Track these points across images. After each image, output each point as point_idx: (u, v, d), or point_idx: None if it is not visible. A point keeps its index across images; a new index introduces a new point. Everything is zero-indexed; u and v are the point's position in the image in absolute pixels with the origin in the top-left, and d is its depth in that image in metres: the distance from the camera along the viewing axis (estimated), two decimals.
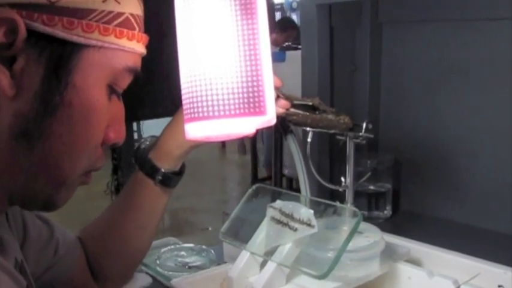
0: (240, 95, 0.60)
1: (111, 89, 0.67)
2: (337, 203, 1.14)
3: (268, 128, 0.75)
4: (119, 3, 0.63)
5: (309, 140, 1.16)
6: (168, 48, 0.71)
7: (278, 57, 3.94)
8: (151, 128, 0.99)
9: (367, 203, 1.62)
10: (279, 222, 1.03)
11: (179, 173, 0.95)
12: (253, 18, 0.60)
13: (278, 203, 1.06)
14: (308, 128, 1.11)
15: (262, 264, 1.05)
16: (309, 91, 1.68)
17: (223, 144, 6.96)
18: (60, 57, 0.61)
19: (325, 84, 1.71)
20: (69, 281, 0.91)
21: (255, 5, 0.60)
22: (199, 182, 5.28)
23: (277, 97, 0.95)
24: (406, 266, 1.12)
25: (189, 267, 1.34)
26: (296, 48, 4.53)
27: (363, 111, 1.76)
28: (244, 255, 1.07)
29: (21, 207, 0.73)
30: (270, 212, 1.05)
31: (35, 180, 0.64)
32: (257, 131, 0.68)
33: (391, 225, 1.59)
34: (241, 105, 0.60)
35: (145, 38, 0.69)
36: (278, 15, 8.52)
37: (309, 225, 0.99)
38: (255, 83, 0.60)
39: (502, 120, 1.48)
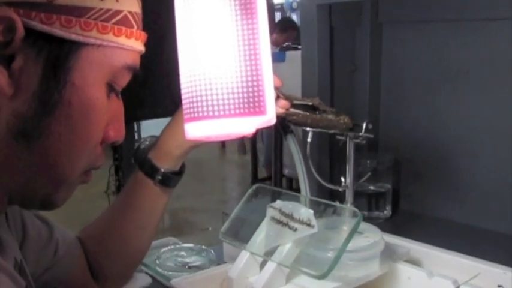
0: (240, 95, 0.60)
1: (110, 87, 0.67)
2: (337, 203, 1.14)
3: (268, 128, 0.75)
4: (117, 1, 0.63)
5: (308, 140, 1.16)
6: (168, 48, 0.70)
7: (278, 57, 3.94)
8: (151, 128, 0.99)
9: (367, 203, 1.62)
10: (278, 222, 1.03)
11: (179, 173, 0.95)
12: (253, 18, 0.60)
13: (278, 203, 1.06)
14: (308, 128, 1.11)
15: (262, 264, 1.05)
16: (308, 91, 1.68)
17: (223, 144, 6.96)
18: (58, 56, 0.60)
19: (325, 84, 1.71)
20: (69, 281, 0.91)
21: (255, 4, 0.60)
22: (199, 182, 5.29)
23: (277, 97, 0.95)
24: (405, 266, 1.12)
25: (189, 267, 1.34)
26: (296, 48, 4.53)
27: (363, 111, 1.76)
28: (244, 255, 1.07)
29: (20, 206, 0.72)
30: (270, 212, 1.05)
31: (35, 179, 0.64)
32: (257, 130, 0.68)
33: (391, 226, 1.59)
34: (241, 105, 0.60)
35: (143, 35, 0.68)
36: (278, 16, 8.52)
37: (309, 225, 0.99)
38: (254, 83, 0.60)
39: (502, 120, 1.48)
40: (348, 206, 1.19)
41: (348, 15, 1.75)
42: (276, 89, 0.93)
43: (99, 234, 0.97)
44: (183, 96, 0.64)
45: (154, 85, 1.89)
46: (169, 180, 0.93)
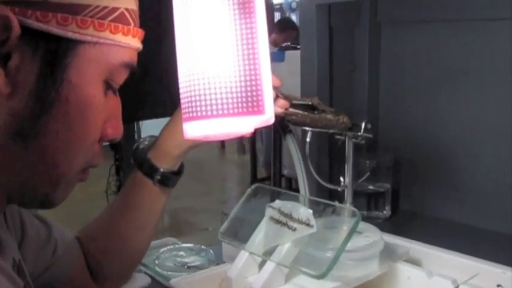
0: (238, 94, 0.60)
1: (108, 85, 0.66)
2: (336, 203, 1.14)
3: (268, 128, 0.75)
4: None
5: (308, 139, 1.16)
6: (167, 48, 0.70)
7: (277, 57, 3.95)
8: (152, 128, 0.99)
9: (367, 203, 1.62)
10: (277, 222, 1.03)
11: (178, 173, 0.95)
12: (251, 17, 0.60)
13: (277, 202, 1.06)
14: (307, 128, 1.11)
15: (261, 264, 1.05)
16: (308, 91, 1.68)
17: (222, 145, 6.97)
18: (55, 54, 0.60)
19: (324, 84, 1.71)
20: (67, 281, 0.91)
21: (253, 4, 0.60)
22: (199, 182, 5.29)
23: (276, 97, 0.95)
24: (405, 265, 1.11)
25: (188, 267, 1.34)
26: (295, 48, 4.53)
27: (362, 111, 1.76)
28: (243, 255, 1.06)
29: (19, 205, 0.72)
30: (269, 211, 1.05)
31: (33, 178, 0.64)
32: (256, 130, 0.68)
33: (390, 225, 1.59)
34: (240, 105, 0.60)
35: (140, 32, 0.68)
36: (277, 16, 8.52)
37: (308, 225, 0.98)
38: (253, 82, 0.60)
39: (502, 120, 1.48)
40: (347, 206, 1.19)
41: (347, 15, 1.75)
42: (275, 88, 0.93)
43: (98, 234, 0.97)
44: (181, 96, 0.64)
45: (154, 85, 1.90)
46: (168, 180, 0.93)
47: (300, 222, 0.99)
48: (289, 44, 5.10)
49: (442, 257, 1.17)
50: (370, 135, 1.15)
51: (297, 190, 1.26)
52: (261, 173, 4.88)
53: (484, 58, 1.50)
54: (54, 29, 0.59)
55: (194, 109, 0.61)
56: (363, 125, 1.14)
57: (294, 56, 3.32)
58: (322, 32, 1.68)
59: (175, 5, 0.64)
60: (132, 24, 0.66)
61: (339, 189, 1.25)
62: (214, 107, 0.60)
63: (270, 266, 1.00)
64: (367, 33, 1.73)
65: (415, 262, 1.16)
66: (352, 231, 1.00)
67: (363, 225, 1.09)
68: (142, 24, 0.68)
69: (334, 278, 1.00)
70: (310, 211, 1.00)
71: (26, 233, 0.82)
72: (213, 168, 6.43)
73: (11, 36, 0.57)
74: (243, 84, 0.60)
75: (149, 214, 0.96)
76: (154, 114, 2.01)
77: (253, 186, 1.19)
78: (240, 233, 1.12)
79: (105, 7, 0.62)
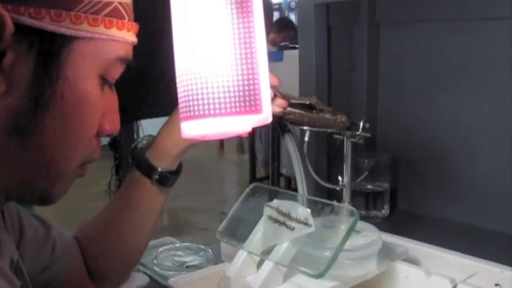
0: (236, 93, 0.60)
1: (104, 80, 0.66)
2: (335, 202, 1.14)
3: (267, 127, 0.75)
4: None
5: (306, 139, 1.16)
6: (165, 47, 0.70)
7: (276, 56, 3.95)
8: (153, 128, 0.99)
9: (365, 202, 1.62)
10: (276, 221, 1.03)
11: (176, 172, 0.95)
12: (249, 16, 0.60)
13: (275, 202, 1.06)
14: (305, 127, 1.11)
15: (259, 264, 1.05)
16: (306, 90, 1.68)
17: (221, 144, 6.97)
18: (49, 51, 0.60)
19: (322, 84, 1.71)
20: (66, 280, 0.91)
21: (251, 3, 0.60)
22: (198, 182, 5.29)
23: (274, 96, 0.95)
24: (403, 265, 1.11)
25: (187, 267, 1.34)
26: (294, 48, 4.54)
27: (361, 111, 1.76)
28: (242, 255, 1.06)
29: (18, 202, 0.72)
30: (267, 211, 1.05)
31: (30, 175, 0.64)
32: (254, 129, 0.68)
33: (388, 225, 1.59)
34: (237, 104, 0.60)
35: (135, 26, 0.68)
36: (276, 15, 8.52)
37: (306, 224, 0.98)
38: (250, 81, 0.60)
39: (501, 119, 1.48)
40: (346, 205, 1.19)
41: (346, 15, 1.75)
42: (273, 88, 0.93)
43: (96, 233, 0.97)
44: (179, 95, 0.64)
45: (152, 84, 1.89)
46: (166, 179, 0.93)
47: (298, 221, 0.99)
48: (287, 43, 5.11)
49: (441, 256, 1.17)
50: (369, 135, 1.15)
51: (296, 189, 1.26)
52: (260, 172, 4.88)
53: (484, 58, 1.50)
54: (47, 25, 0.58)
55: (192, 108, 0.61)
56: (361, 124, 1.14)
57: (292, 56, 3.33)
58: (321, 31, 1.68)
59: (173, 5, 0.64)
60: (127, 18, 0.65)
61: (337, 188, 1.25)
62: (211, 106, 0.60)
63: (268, 265, 1.01)
64: (366, 32, 1.73)
65: (413, 261, 1.16)
66: (351, 231, 1.00)
67: (361, 224, 1.09)
68: (142, 24, 0.68)
69: (332, 277, 1.00)
70: (309, 210, 1.00)
71: (24, 233, 0.82)
72: (212, 168, 6.43)
73: (5, 34, 0.56)
74: (240, 83, 0.60)
75: (147, 213, 0.96)
76: (153, 114, 2.00)
77: (251, 186, 1.19)
78: (239, 233, 1.12)
79: (99, 2, 0.62)
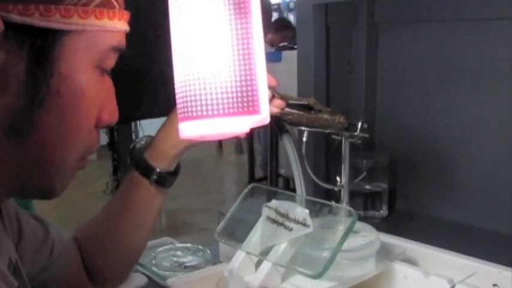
0: (234, 94, 0.60)
1: (98, 71, 0.66)
2: (333, 203, 1.14)
3: (265, 128, 0.75)
4: None
5: (304, 139, 1.16)
6: (164, 47, 0.70)
7: (274, 57, 3.95)
8: (153, 128, 0.99)
9: (363, 203, 1.62)
10: (274, 221, 1.03)
11: (174, 173, 0.95)
12: (247, 17, 0.60)
13: (273, 202, 1.06)
14: (303, 128, 1.11)
15: (258, 264, 1.05)
16: (305, 91, 1.68)
17: (220, 144, 6.96)
18: (42, 47, 0.59)
19: (321, 84, 1.71)
20: (64, 281, 0.91)
21: (249, 4, 0.60)
22: (196, 182, 5.28)
23: (273, 97, 0.95)
24: (401, 265, 1.12)
25: (185, 267, 1.34)
26: (292, 48, 4.54)
27: (359, 111, 1.76)
28: (240, 255, 1.06)
29: (19, 197, 0.72)
30: (266, 211, 1.05)
31: (31, 171, 0.63)
32: (252, 130, 0.68)
33: (387, 225, 1.59)
34: (235, 104, 0.60)
35: (126, 14, 0.67)
36: (275, 16, 8.52)
37: (304, 224, 0.99)
38: (248, 82, 0.60)
39: (499, 120, 1.48)
40: (344, 206, 1.19)
41: (344, 15, 1.75)
42: (272, 88, 0.93)
43: (95, 234, 0.97)
44: (177, 96, 0.63)
45: (151, 84, 1.89)
46: (164, 180, 0.93)
47: (297, 222, 0.99)
48: (286, 44, 5.11)
49: (439, 256, 1.17)
50: (367, 135, 1.15)
51: (294, 190, 1.26)
52: (259, 173, 4.88)
53: (483, 58, 1.50)
54: (37, 21, 0.58)
55: (189, 109, 0.61)
56: (360, 124, 1.14)
57: (291, 56, 3.33)
58: (319, 31, 1.69)
59: (171, 5, 0.64)
60: (117, 6, 0.65)
61: (336, 189, 1.25)
62: (209, 107, 0.60)
63: (266, 265, 1.01)
64: (365, 33, 1.73)
65: (411, 262, 1.16)
66: (349, 231, 1.00)
67: (359, 224, 1.09)
68: (140, 25, 0.68)
69: (330, 278, 1.00)
70: (307, 211, 1.00)
71: (23, 233, 0.82)
72: (211, 168, 6.43)
73: None
74: (238, 84, 0.60)
75: (146, 214, 0.96)
76: (151, 114, 2.00)
77: (249, 186, 1.19)
78: (237, 233, 1.12)
79: None
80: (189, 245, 1.44)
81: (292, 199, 1.10)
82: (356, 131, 1.14)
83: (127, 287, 1.20)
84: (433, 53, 1.61)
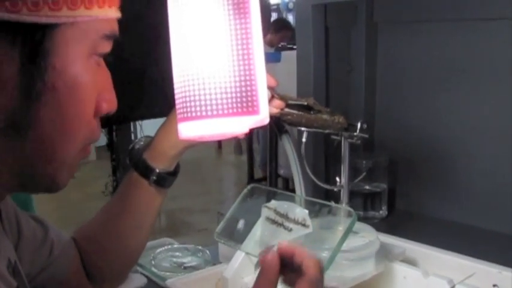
0: (233, 95, 0.60)
1: (93, 60, 0.65)
2: (332, 203, 1.14)
3: (264, 128, 0.74)
4: None
5: (303, 140, 1.16)
6: (163, 48, 0.70)
7: (273, 57, 3.95)
8: (152, 128, 0.99)
9: (363, 203, 1.62)
10: (273, 222, 1.02)
11: (174, 173, 0.95)
12: (246, 17, 0.60)
13: (273, 203, 1.05)
14: (303, 128, 1.11)
15: (257, 265, 1.05)
16: (304, 91, 1.68)
17: (219, 145, 6.96)
18: (33, 43, 0.58)
19: (320, 84, 1.71)
20: (64, 281, 0.91)
21: (248, 4, 0.60)
22: (196, 183, 5.28)
23: (272, 97, 0.95)
24: (401, 265, 1.12)
25: (184, 268, 1.34)
26: (291, 49, 4.54)
27: (359, 111, 1.76)
28: (239, 256, 1.06)
29: (24, 191, 0.71)
30: (265, 212, 1.05)
31: (33, 167, 0.63)
32: (251, 130, 0.68)
33: (386, 225, 1.59)
34: (234, 105, 0.59)
35: (116, 1, 0.66)
36: (274, 16, 8.52)
37: (304, 225, 0.98)
38: (247, 82, 0.60)
39: (499, 120, 1.48)
40: (343, 206, 1.19)
41: (343, 15, 1.75)
42: (271, 88, 0.93)
43: (94, 234, 0.97)
44: (176, 96, 0.63)
45: (150, 84, 1.89)
46: (164, 180, 0.93)
47: (296, 222, 0.99)
48: (285, 44, 5.11)
49: (438, 257, 1.17)
50: (366, 135, 1.15)
51: (293, 190, 1.26)
52: (258, 173, 4.88)
53: (483, 58, 1.51)
54: (26, 17, 0.56)
55: (189, 109, 0.61)
56: (359, 125, 1.14)
57: (290, 57, 3.33)
58: (319, 32, 1.69)
59: (170, 6, 0.64)
60: None
61: (335, 189, 1.25)
62: (208, 107, 0.60)
63: None
64: (364, 33, 1.73)
65: (411, 262, 1.16)
66: (348, 231, 1.00)
67: (359, 225, 1.09)
68: (140, 25, 0.68)
69: (330, 278, 1.00)
70: (306, 211, 1.00)
71: (22, 234, 0.81)
72: (210, 169, 6.42)
73: None
74: (237, 84, 0.60)
75: (145, 214, 0.96)
76: (150, 114, 2.00)
77: (249, 187, 1.18)
78: (236, 234, 1.12)
79: None
80: (188, 245, 1.44)
81: (292, 199, 1.10)
82: (355, 131, 1.14)
83: (126, 287, 1.20)
84: (432, 53, 1.61)
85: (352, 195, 1.28)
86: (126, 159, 0.96)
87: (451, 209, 1.61)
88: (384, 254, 1.11)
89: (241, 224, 1.09)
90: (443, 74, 1.60)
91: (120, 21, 0.67)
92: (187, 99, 0.61)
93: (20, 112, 0.59)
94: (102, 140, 2.96)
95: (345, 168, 1.22)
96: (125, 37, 0.68)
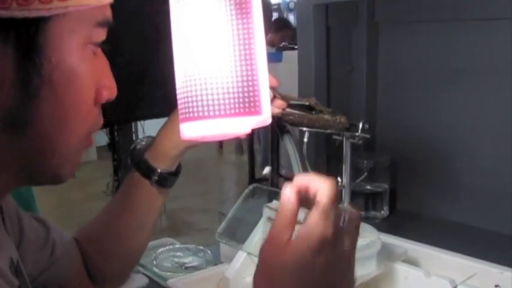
0: (235, 95, 0.59)
1: (89, 49, 0.64)
2: None
3: (265, 128, 0.74)
4: None
5: (305, 140, 1.16)
6: (165, 48, 0.70)
7: (275, 57, 3.96)
8: (155, 128, 0.99)
9: (364, 203, 1.62)
10: None
11: (175, 173, 0.95)
12: (248, 17, 0.60)
13: (275, 203, 1.05)
14: (304, 128, 1.10)
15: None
16: (305, 91, 1.68)
17: (220, 145, 6.96)
18: (27, 38, 0.57)
19: (321, 84, 1.71)
20: (65, 282, 0.91)
21: (250, 4, 0.60)
22: (197, 182, 5.29)
23: (274, 97, 0.95)
24: (403, 266, 1.11)
25: (186, 268, 1.34)
26: (293, 49, 4.54)
27: (360, 111, 1.76)
28: (241, 256, 1.06)
29: (29, 185, 0.70)
30: (267, 212, 1.05)
31: (36, 162, 0.62)
32: (253, 131, 0.67)
33: (388, 225, 1.59)
34: (237, 105, 0.59)
35: None
36: (275, 16, 8.52)
37: None
38: (250, 83, 0.60)
39: (500, 120, 1.48)
40: (345, 206, 1.19)
41: (345, 15, 1.75)
42: (273, 89, 0.93)
43: (95, 234, 0.97)
44: (178, 97, 0.63)
45: (151, 84, 1.89)
46: (165, 180, 0.93)
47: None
48: (286, 44, 5.11)
49: (440, 257, 1.17)
50: (368, 135, 1.15)
51: None
52: (259, 173, 4.88)
53: (483, 58, 1.51)
54: (17, 12, 0.55)
55: (191, 110, 0.61)
56: (361, 125, 1.14)
57: (291, 57, 3.34)
58: (320, 32, 1.69)
59: (172, 6, 0.64)
60: None
61: None
62: (211, 108, 0.59)
63: None
64: (365, 33, 1.73)
65: (412, 262, 1.16)
66: None
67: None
68: (140, 26, 0.67)
69: None
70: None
71: (24, 234, 0.81)
72: (211, 169, 6.43)
73: None
74: (239, 84, 0.60)
75: (147, 214, 0.96)
76: (152, 114, 2.00)
77: (250, 187, 1.18)
78: (238, 234, 1.12)
79: None
80: (190, 245, 1.44)
81: None
82: (357, 131, 1.14)
83: (128, 287, 1.20)
84: (433, 53, 1.61)
85: (354, 195, 1.28)
86: (127, 159, 0.96)
87: (452, 209, 1.61)
88: (386, 254, 1.11)
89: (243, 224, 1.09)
90: (445, 74, 1.60)
91: (121, 22, 0.66)
92: (190, 99, 0.61)
93: (18, 110, 0.59)
94: (103, 140, 2.96)
95: (346, 168, 1.22)
96: (126, 37, 0.68)
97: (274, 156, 1.66)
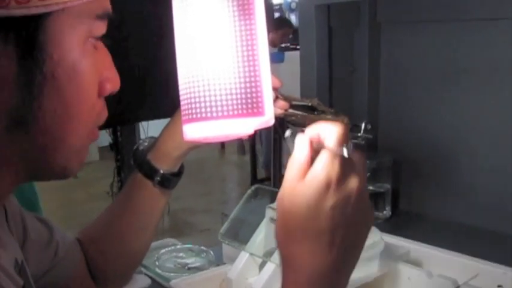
0: (238, 96, 0.59)
1: (90, 43, 0.63)
2: None
3: (267, 129, 0.74)
4: None
5: None
6: (167, 49, 0.70)
7: (277, 57, 3.96)
8: (157, 129, 0.99)
9: None
10: None
11: (178, 174, 0.95)
12: (251, 18, 0.60)
13: None
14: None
15: (261, 265, 1.05)
16: (307, 92, 1.68)
17: (222, 145, 6.97)
18: (27, 36, 0.57)
19: (324, 85, 1.71)
20: (68, 283, 0.91)
21: (253, 5, 0.60)
22: (199, 183, 5.29)
23: (276, 98, 0.95)
24: (405, 266, 1.11)
25: (188, 268, 1.34)
26: (295, 49, 4.54)
27: (362, 112, 1.76)
28: (244, 256, 1.06)
29: (36, 180, 0.70)
30: (269, 212, 1.05)
31: (41, 159, 0.62)
32: (255, 131, 0.67)
33: (390, 226, 1.59)
34: (239, 106, 0.59)
35: None
36: (277, 16, 8.51)
37: None
38: (253, 84, 0.60)
39: (502, 120, 1.48)
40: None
41: (347, 16, 1.75)
42: (275, 89, 0.93)
43: (98, 235, 0.97)
44: (181, 98, 0.63)
45: (154, 85, 1.90)
46: (168, 181, 0.93)
47: None
48: (288, 44, 5.10)
49: (443, 257, 1.17)
50: (370, 136, 1.15)
51: None
52: (261, 173, 4.89)
53: (484, 58, 1.51)
54: (16, 10, 0.55)
55: (194, 111, 0.61)
56: (363, 125, 1.14)
57: (293, 57, 3.34)
58: (322, 32, 1.69)
59: (175, 7, 0.64)
60: None
61: None
62: (214, 109, 0.59)
63: (270, 267, 1.00)
64: (367, 33, 1.73)
65: (415, 263, 1.16)
66: None
67: None
68: (144, 27, 0.67)
69: None
70: None
71: (27, 235, 0.81)
72: (213, 169, 6.43)
73: None
74: (242, 85, 0.60)
75: (149, 215, 0.96)
76: (154, 115, 2.01)
77: (253, 187, 1.19)
78: (240, 234, 1.12)
79: None
80: (192, 246, 1.44)
81: None
82: (360, 131, 1.14)
83: None
84: (435, 53, 1.61)
85: None
86: (130, 160, 0.96)
87: (455, 210, 1.61)
88: (388, 255, 1.11)
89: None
90: (447, 74, 1.60)
91: (124, 23, 0.66)
92: (192, 100, 0.61)
93: (22, 108, 0.58)
94: (105, 140, 2.97)
95: None
96: (130, 38, 0.68)
97: (276, 156, 1.66)
